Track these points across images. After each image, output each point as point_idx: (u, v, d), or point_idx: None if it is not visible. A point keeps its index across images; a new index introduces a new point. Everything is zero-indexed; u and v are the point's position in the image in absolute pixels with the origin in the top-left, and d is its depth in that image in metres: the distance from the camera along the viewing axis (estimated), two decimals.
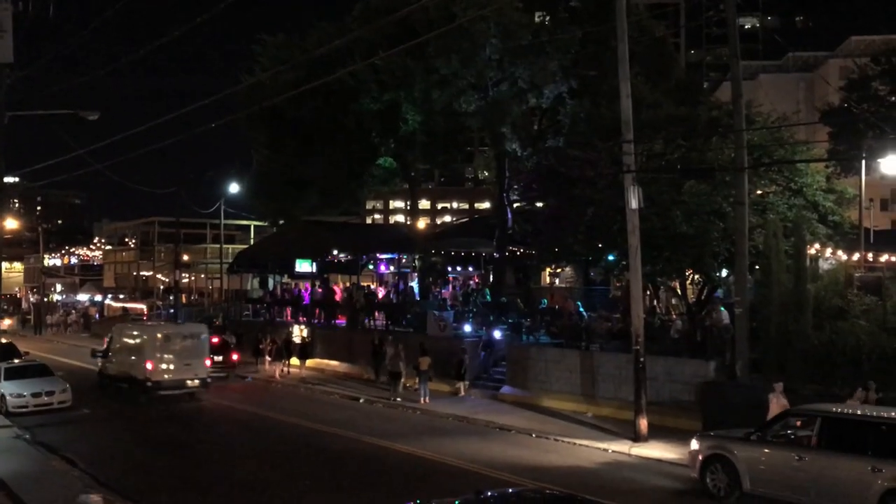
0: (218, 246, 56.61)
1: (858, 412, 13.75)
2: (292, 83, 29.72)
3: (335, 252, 38.75)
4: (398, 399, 25.77)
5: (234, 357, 33.06)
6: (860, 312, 20.88)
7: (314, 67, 29.93)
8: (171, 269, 58.17)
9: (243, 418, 23.77)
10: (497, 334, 28.28)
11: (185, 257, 70.58)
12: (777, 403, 16.30)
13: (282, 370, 31.70)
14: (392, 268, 40.01)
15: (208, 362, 27.16)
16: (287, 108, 33.72)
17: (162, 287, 75.43)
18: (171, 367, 25.75)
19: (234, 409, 25.45)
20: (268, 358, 32.98)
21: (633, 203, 19.04)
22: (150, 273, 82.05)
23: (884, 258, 24.22)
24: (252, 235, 73.32)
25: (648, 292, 27.52)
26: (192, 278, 77.29)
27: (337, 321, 35.93)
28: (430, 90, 31.71)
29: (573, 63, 30.73)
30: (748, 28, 76.70)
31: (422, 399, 25.19)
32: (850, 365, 17.89)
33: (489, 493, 8.87)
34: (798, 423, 13.87)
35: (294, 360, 32.35)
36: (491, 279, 36.86)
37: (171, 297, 55.65)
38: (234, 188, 47.71)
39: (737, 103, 20.07)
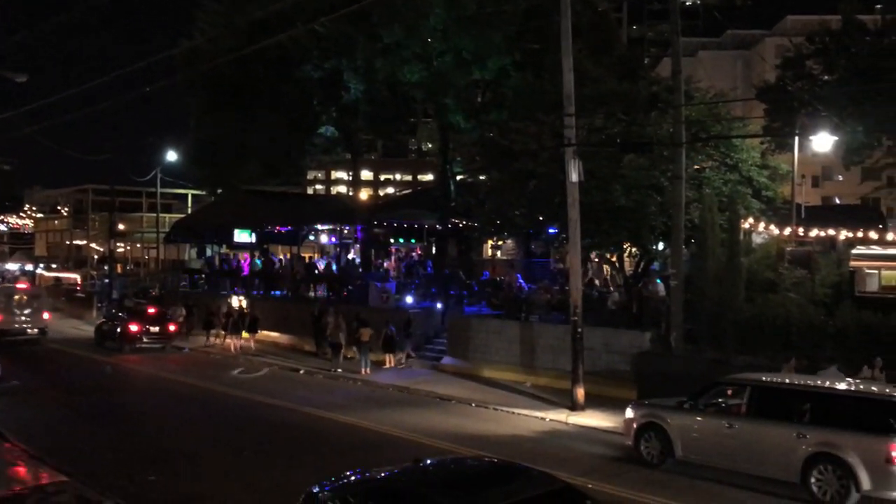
0: (154, 215, 55.30)
1: (787, 381, 14.22)
2: (233, 49, 29.06)
3: (275, 223, 38.28)
4: (339, 370, 25.74)
5: (172, 328, 32.49)
6: (790, 285, 21.55)
7: (255, 33, 29.30)
8: (106, 238, 56.77)
9: (180, 390, 23.45)
10: (439, 306, 28.39)
11: (121, 226, 68.90)
12: None
13: (237, 343, 30.88)
14: (334, 239, 39.74)
15: (47, 315, 34.37)
16: (227, 73, 33.00)
17: (96, 257, 73.57)
18: (15, 318, 33.12)
19: (170, 380, 25.09)
20: (222, 332, 32.08)
21: (574, 176, 19.22)
22: (84, 242, 79.92)
23: (814, 233, 24.97)
24: (189, 205, 71.86)
25: (591, 264, 27.96)
26: (128, 248, 75.55)
27: (276, 292, 35.60)
28: (374, 59, 31.39)
29: (517, 36, 30.73)
30: (689, 5, 77.51)
31: (362, 370, 25.21)
32: (779, 336, 18.45)
33: (428, 462, 8.95)
34: (729, 392, 14.29)
35: (244, 334, 31.69)
36: (433, 251, 36.95)
37: (105, 267, 54.33)
38: (171, 156, 46.60)
39: (676, 79, 20.37)
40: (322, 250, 42.43)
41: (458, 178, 34.02)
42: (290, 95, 33.95)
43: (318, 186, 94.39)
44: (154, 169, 48.64)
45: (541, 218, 25.33)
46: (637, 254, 25.79)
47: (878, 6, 41.73)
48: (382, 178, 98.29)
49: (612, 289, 26.87)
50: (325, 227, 38.65)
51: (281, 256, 41.36)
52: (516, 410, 19.90)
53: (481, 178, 29.96)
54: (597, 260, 28.36)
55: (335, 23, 27.89)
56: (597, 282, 28.42)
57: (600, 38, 30.71)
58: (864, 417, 12.34)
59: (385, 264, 35.76)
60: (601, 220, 22.23)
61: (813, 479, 12.49)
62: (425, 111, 41.27)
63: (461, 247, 36.50)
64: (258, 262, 37.51)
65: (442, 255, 34.65)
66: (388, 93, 33.47)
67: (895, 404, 12.24)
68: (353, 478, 8.85)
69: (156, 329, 31.59)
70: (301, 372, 26.49)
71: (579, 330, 19.60)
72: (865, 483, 12.00)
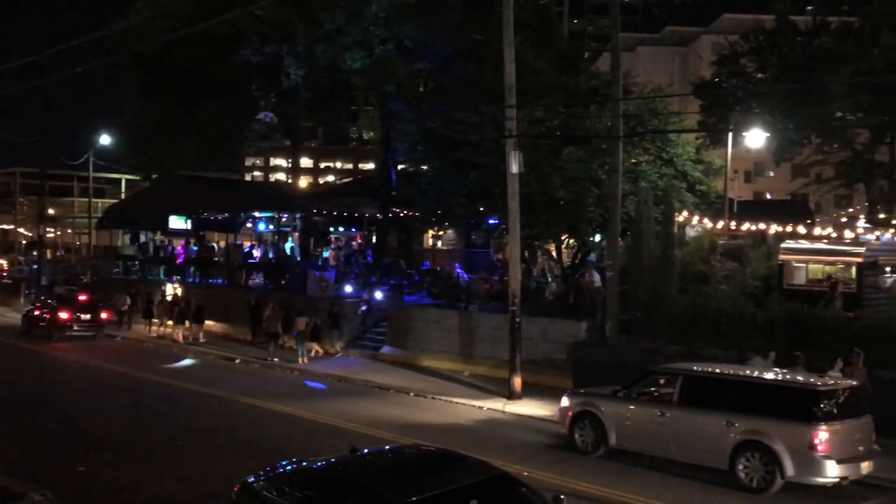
0: (86, 200, 53.78)
1: (717, 370, 14.59)
2: (170, 29, 28.39)
3: (212, 209, 37.62)
4: (275, 360, 25.49)
5: (104, 316, 31.67)
6: (722, 278, 22.14)
7: (194, 14, 28.67)
8: (35, 223, 54.96)
9: (112, 379, 22.91)
10: (378, 295, 28.33)
11: (51, 211, 66.76)
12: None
13: (184, 333, 29.88)
14: (272, 227, 39.24)
15: None
16: (164, 55, 32.23)
17: (24, 242, 71.22)
18: None
19: (102, 368, 24.50)
20: (167, 321, 31.23)
21: (514, 168, 19.35)
22: (11, 227, 77.25)
23: (745, 227, 25.66)
24: (123, 190, 70.06)
25: (527, 254, 28.22)
26: (58, 233, 73.33)
27: (213, 280, 35.01)
28: (315, 45, 31.02)
29: (460, 25, 30.74)
30: (629, 0, 78.76)
31: (299, 359, 25.01)
32: (711, 327, 18.90)
33: (366, 451, 8.96)
34: (661, 381, 14.58)
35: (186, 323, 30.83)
36: (374, 240, 36.81)
37: (34, 253, 52.64)
38: (105, 139, 45.34)
39: (615, 73, 20.65)
40: (260, 238, 41.82)
41: (400, 167, 33.93)
42: (229, 79, 33.34)
43: (257, 173, 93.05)
44: (87, 152, 47.27)
45: (481, 208, 25.48)
46: (575, 245, 26.16)
47: (810, 7, 42.94)
48: (323, 165, 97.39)
49: (550, 279, 27.19)
50: (264, 214, 38.10)
51: (217, 244, 40.68)
52: (454, 399, 20.00)
53: (423, 167, 29.96)
54: (539, 253, 28.69)
55: (275, 7, 27.51)
56: (535, 272, 28.72)
57: (542, 31, 30.92)
58: (789, 405, 12.75)
59: (324, 253, 35.47)
60: (540, 211, 22.47)
61: (740, 466, 12.86)
62: (367, 99, 41.07)
63: (402, 236, 36.45)
64: (194, 249, 36.82)
65: (382, 244, 34.55)
66: (328, 80, 33.13)
67: (817, 393, 12.65)
68: (289, 467, 8.80)
69: (87, 317, 30.76)
70: (237, 361, 26.15)
71: (517, 320, 19.78)
72: (789, 469, 12.41)
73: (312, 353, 25.67)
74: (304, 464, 8.78)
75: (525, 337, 20.49)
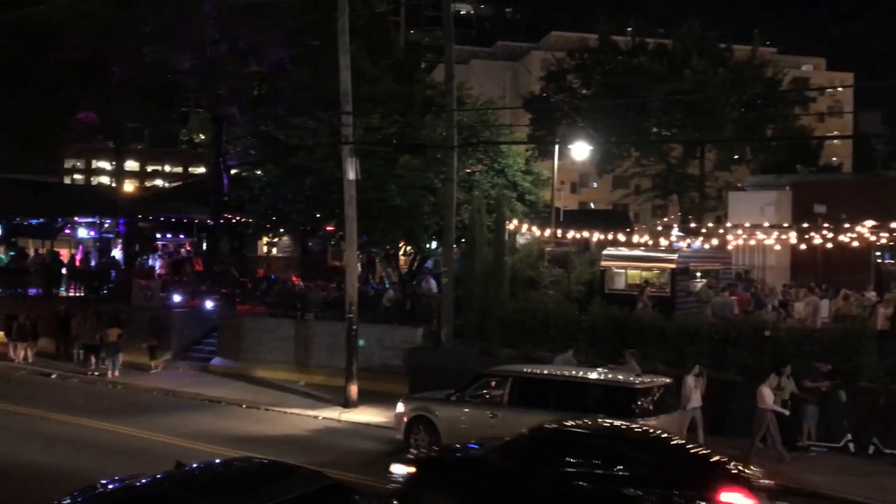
0: None
1: (545, 371, 15.20)
2: None
3: (26, 214, 35.00)
4: (96, 373, 24.03)
5: None
6: (549, 283, 23.16)
7: (7, 2, 26.63)
8: None
9: None
10: (209, 304, 27.35)
11: None
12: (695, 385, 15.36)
13: (26, 353, 26.50)
14: (93, 233, 36.99)
15: None
16: None
17: None
18: None
19: None
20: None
21: (351, 174, 19.34)
22: None
23: (570, 235, 26.96)
24: None
25: (364, 261, 28.21)
26: None
27: (29, 290, 32.47)
28: (142, 43, 29.58)
29: (296, 30, 30.32)
30: (463, 14, 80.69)
31: (110, 372, 23.65)
32: (539, 330, 19.69)
33: (193, 465, 8.64)
34: (493, 384, 15.03)
35: None
36: (204, 247, 35.56)
37: None
38: None
39: (449, 84, 21.11)
40: (80, 245, 39.28)
41: (233, 171, 32.97)
42: (48, 75, 31.14)
43: (78, 176, 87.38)
44: None
45: (318, 215, 25.23)
46: (412, 252, 26.45)
47: (629, 29, 45.84)
48: (150, 169, 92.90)
49: (388, 286, 27.33)
50: (84, 219, 35.85)
51: (32, 251, 37.79)
52: (289, 410, 19.66)
53: (257, 172, 29.26)
54: (377, 260, 28.77)
55: (100, 1, 26.01)
56: (372, 279, 28.80)
57: (379, 40, 31.05)
58: (611, 403, 13.48)
59: (150, 260, 33.86)
60: (377, 218, 22.56)
61: None
62: (198, 101, 39.62)
63: (235, 243, 35.44)
64: (2, 257, 34.08)
65: (214, 251, 33.42)
66: (157, 80, 31.71)
67: (635, 391, 13.47)
68: (109, 486, 8.34)
69: None
70: (53, 376, 24.41)
71: (354, 327, 19.75)
72: None
73: (153, 368, 24.43)
74: (127, 482, 8.34)
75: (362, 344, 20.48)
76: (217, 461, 9.65)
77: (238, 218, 31.92)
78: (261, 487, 7.54)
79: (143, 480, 8.07)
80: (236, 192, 30.73)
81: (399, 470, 11.39)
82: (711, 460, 10.34)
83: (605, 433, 11.05)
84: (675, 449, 10.71)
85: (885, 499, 12.94)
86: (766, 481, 10.38)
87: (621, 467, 10.09)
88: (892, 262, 28.83)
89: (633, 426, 11.61)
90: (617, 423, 11.45)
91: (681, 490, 9.65)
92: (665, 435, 11.14)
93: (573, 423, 11.20)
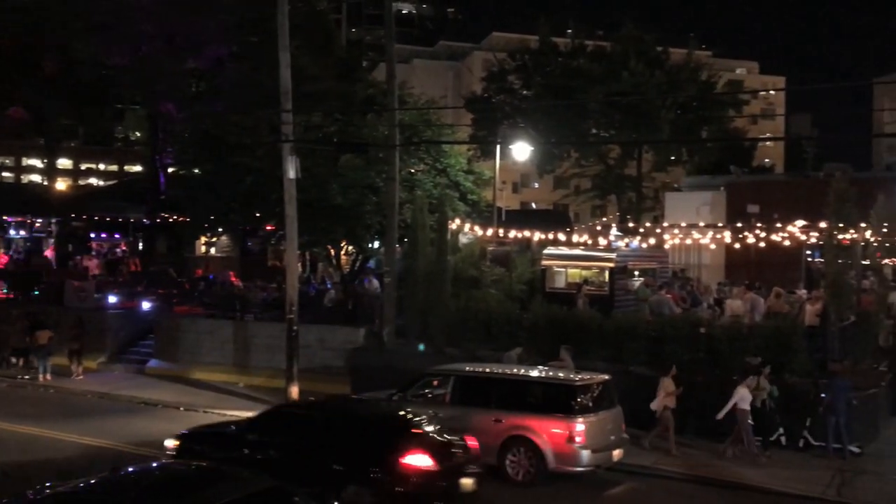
0: None
1: (487, 370, 15.29)
2: None
3: None
4: (26, 377, 23.29)
5: None
6: (491, 282, 23.29)
7: None
8: None
9: None
10: (146, 305, 26.77)
11: None
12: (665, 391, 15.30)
13: None
14: (23, 232, 35.87)
15: None
16: None
17: None
18: None
19: None
20: None
21: (291, 173, 19.12)
22: None
23: (512, 234, 27.16)
24: None
25: (306, 261, 27.98)
26: None
27: None
28: (75, 38, 28.79)
29: (235, 26, 29.90)
30: (405, 13, 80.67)
31: (41, 376, 22.94)
32: (482, 328, 19.78)
33: (130, 469, 8.45)
34: (435, 383, 15.05)
35: None
36: (140, 247, 34.82)
37: None
38: None
39: (391, 83, 21.07)
40: (9, 244, 38.04)
41: (170, 169, 32.34)
42: None
43: (7, 174, 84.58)
44: None
45: (258, 214, 24.93)
46: (353, 252, 26.31)
47: (569, 31, 46.41)
48: (84, 167, 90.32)
49: (329, 286, 27.14)
50: (13, 218, 34.72)
51: None
52: (228, 412, 19.29)
53: (195, 171, 28.76)
54: (319, 260, 28.55)
55: None
56: (314, 279, 28.57)
57: (319, 38, 30.84)
58: (550, 401, 13.66)
59: (84, 261, 32.99)
60: (319, 217, 22.38)
61: (507, 461, 13.56)
62: (133, 98, 38.76)
63: (172, 243, 34.77)
64: None
65: (150, 251, 32.74)
66: (90, 75, 30.90)
67: (575, 388, 13.63)
68: (40, 494, 8.09)
69: None
70: None
71: (295, 328, 19.52)
72: (551, 461, 13.28)
73: (75, 374, 23.70)
74: (60, 488, 8.11)
75: (303, 345, 20.25)
76: (154, 465, 9.45)
77: (176, 217, 31.33)
78: (198, 491, 7.43)
79: (79, 486, 7.86)
80: (174, 191, 30.19)
81: (169, 443, 12.73)
82: (403, 429, 11.77)
83: (317, 408, 13.13)
84: (372, 418, 12.25)
85: (815, 491, 13.36)
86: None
87: (324, 437, 11.53)
88: (822, 260, 29.80)
89: (355, 402, 13.83)
90: (344, 399, 14.52)
91: (370, 454, 11.08)
92: (371, 407, 13.25)
93: (305, 400, 14.01)
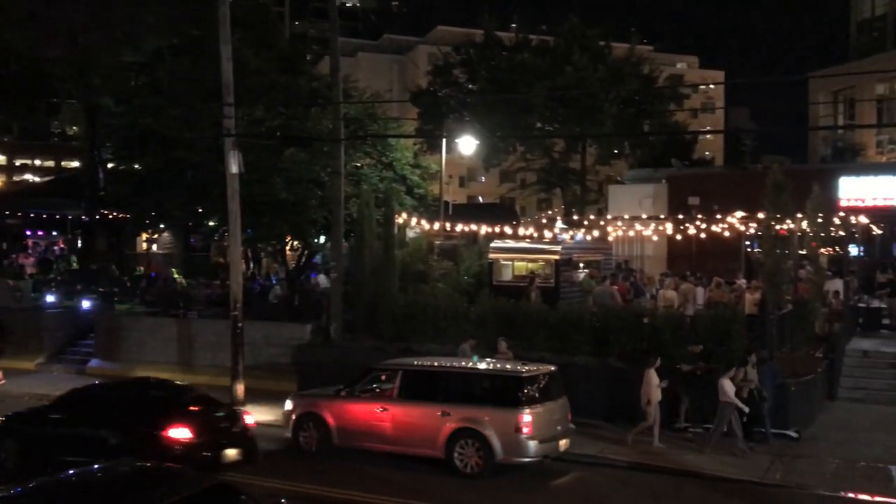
0: None
1: (434, 363, 15.32)
2: None
3: None
4: None
5: None
6: (439, 276, 23.30)
7: None
8: None
9: None
10: (86, 304, 26.13)
11: None
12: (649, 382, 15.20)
13: None
14: None
15: None
16: None
17: None
18: None
19: None
20: None
21: (234, 168, 18.84)
22: None
23: (459, 228, 27.23)
24: None
25: (250, 257, 27.64)
26: None
27: None
28: (5, 28, 27.86)
29: (175, 19, 29.27)
30: (349, 6, 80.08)
31: None
32: (429, 323, 19.80)
33: (70, 472, 8.26)
34: (383, 378, 15.02)
35: None
36: (79, 244, 33.97)
37: None
38: None
39: (335, 77, 20.90)
40: None
41: (109, 165, 31.57)
42: None
43: None
44: None
45: (200, 209, 24.52)
46: (299, 247, 26.08)
47: (514, 25, 46.62)
48: (19, 163, 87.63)
49: (275, 282, 26.86)
50: None
51: None
52: None
53: (135, 166, 28.13)
54: (263, 256, 28.21)
55: None
56: (259, 275, 28.24)
57: (262, 31, 30.39)
58: (498, 393, 13.75)
59: (20, 259, 32.05)
60: (263, 212, 22.14)
61: (455, 454, 13.61)
62: (70, 91, 37.70)
63: (112, 240, 33.99)
64: None
65: (89, 248, 31.95)
66: (23, 68, 29.96)
67: (522, 379, 13.73)
68: None
69: None
70: None
71: (240, 325, 19.27)
72: (499, 452, 13.37)
73: None
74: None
75: (248, 342, 20.03)
76: (96, 466, 9.23)
77: (116, 214, 30.61)
78: (141, 491, 7.29)
79: (15, 490, 7.65)
80: (113, 187, 29.47)
81: None
82: (167, 406, 13.27)
83: (110, 388, 14.85)
84: (144, 397, 13.66)
85: (755, 475, 13.71)
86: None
87: (108, 414, 12.99)
88: (760, 250, 30.55)
89: (148, 384, 15.09)
90: (142, 380, 15.95)
91: (139, 429, 12.45)
92: (154, 388, 14.57)
93: (108, 381, 16.21)
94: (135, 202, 25.69)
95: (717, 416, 14.81)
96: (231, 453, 13.01)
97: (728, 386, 14.62)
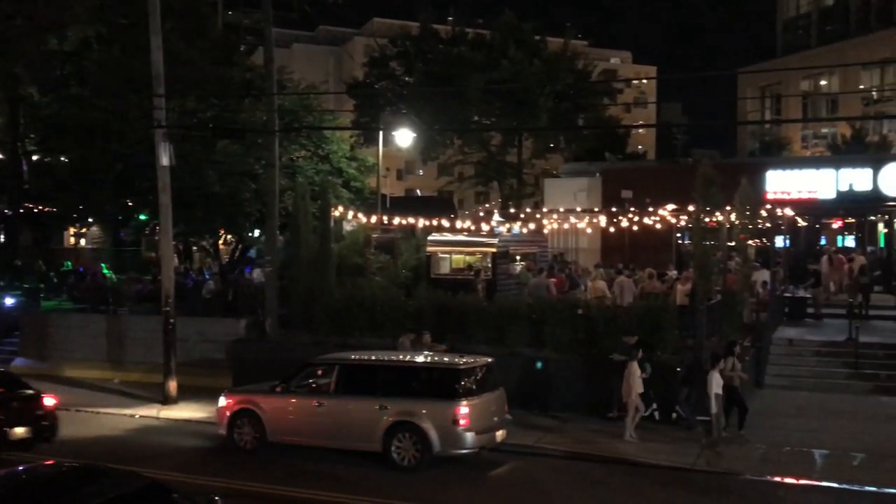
0: None
1: (372, 357, 15.25)
2: None
3: None
4: None
5: None
6: (376, 269, 23.24)
7: None
8: None
9: None
10: (9, 301, 25.26)
11: None
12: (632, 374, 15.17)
13: None
14: None
15: None
16: None
17: None
18: None
19: None
20: None
21: (165, 160, 18.47)
22: None
23: (397, 221, 27.15)
24: None
25: (182, 251, 27.09)
26: None
27: None
28: None
29: (102, 7, 28.41)
30: None
31: None
32: (367, 316, 19.69)
33: None
34: (319, 372, 14.88)
35: None
36: (2, 239, 32.80)
37: None
38: None
39: (268, 68, 20.61)
40: None
41: (34, 157, 30.53)
42: None
43: None
44: None
45: (130, 203, 23.93)
46: (233, 241, 25.67)
47: (450, 19, 46.65)
48: None
49: (208, 277, 26.38)
50: None
51: None
52: (103, 410, 18.57)
53: (62, 158, 27.25)
54: (196, 250, 27.68)
55: None
56: (191, 270, 27.71)
57: (194, 21, 29.73)
58: (435, 386, 13.77)
59: None
60: (195, 206, 21.73)
61: (393, 447, 13.58)
62: None
63: (38, 234, 32.92)
64: None
65: (13, 243, 30.88)
66: None
67: (458, 371, 13.78)
68: None
69: None
70: None
71: (171, 321, 18.93)
72: (436, 445, 13.39)
73: None
74: None
75: (181, 338, 19.69)
76: (20, 468, 8.93)
77: (41, 207, 29.64)
78: (69, 493, 7.09)
79: None
80: (38, 180, 28.51)
81: None
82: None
83: None
84: None
85: (686, 462, 14.05)
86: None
87: None
88: (690, 242, 31.28)
89: None
90: None
91: None
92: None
93: None
94: (61, 196, 24.91)
95: (711, 410, 14.46)
96: (20, 431, 13.98)
97: (716, 379, 14.42)
